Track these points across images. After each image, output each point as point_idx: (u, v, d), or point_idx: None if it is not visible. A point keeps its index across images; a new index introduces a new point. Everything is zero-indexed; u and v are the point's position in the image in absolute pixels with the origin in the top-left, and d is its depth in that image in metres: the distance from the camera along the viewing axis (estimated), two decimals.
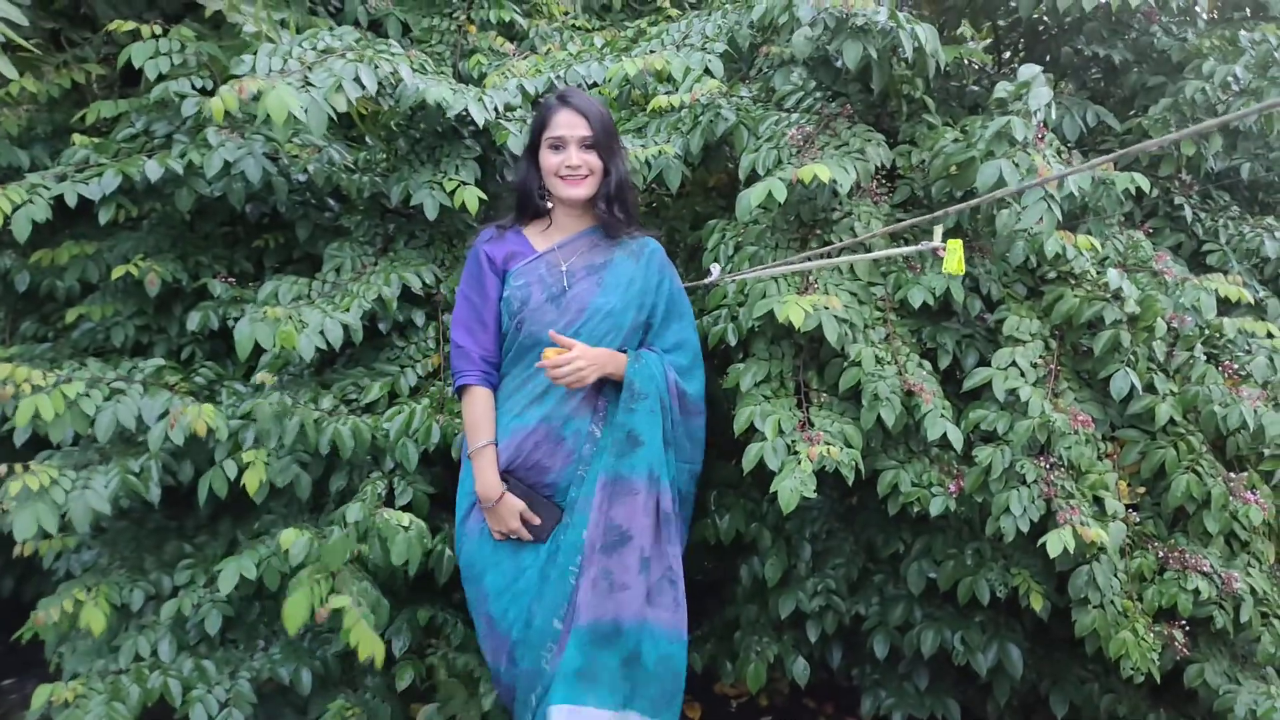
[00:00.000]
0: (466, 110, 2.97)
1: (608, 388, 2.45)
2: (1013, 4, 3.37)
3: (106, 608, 2.73)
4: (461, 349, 2.48)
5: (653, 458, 2.41)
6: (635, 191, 2.65)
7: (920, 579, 2.82)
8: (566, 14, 4.40)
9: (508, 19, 3.97)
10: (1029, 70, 2.56)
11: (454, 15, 4.00)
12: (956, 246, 2.11)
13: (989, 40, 3.78)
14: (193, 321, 3.05)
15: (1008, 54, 3.74)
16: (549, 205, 2.50)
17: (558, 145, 2.41)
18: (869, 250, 2.57)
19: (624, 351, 2.45)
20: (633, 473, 2.40)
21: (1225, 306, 2.95)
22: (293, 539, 2.53)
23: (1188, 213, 3.22)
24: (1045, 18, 3.38)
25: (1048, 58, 3.55)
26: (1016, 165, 2.37)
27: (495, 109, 3.07)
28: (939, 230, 2.12)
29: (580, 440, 2.43)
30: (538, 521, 2.40)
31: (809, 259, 2.55)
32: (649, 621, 2.34)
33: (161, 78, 3.09)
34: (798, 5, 2.61)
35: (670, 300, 2.53)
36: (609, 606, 2.32)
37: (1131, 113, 3.36)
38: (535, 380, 2.43)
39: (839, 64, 2.71)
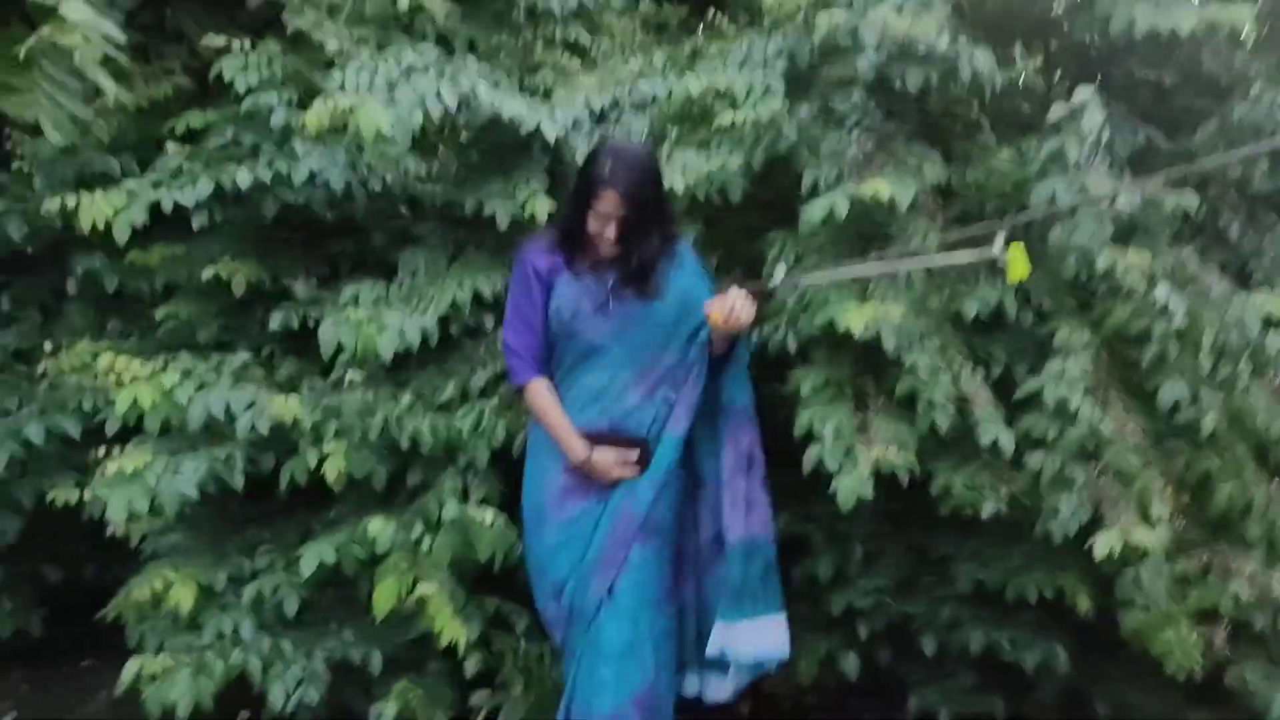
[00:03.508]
0: (538, 125, 3.13)
1: (667, 373, 2.65)
2: (1065, 28, 3.48)
3: (194, 587, 2.90)
4: (514, 350, 2.69)
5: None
6: (669, 217, 2.74)
7: (969, 580, 2.93)
8: (627, 31, 4.56)
9: (573, 37, 4.14)
10: (1083, 93, 2.68)
11: (521, 33, 4.17)
12: (1019, 251, 2.21)
13: (1041, 61, 3.87)
14: (275, 321, 3.22)
15: (1059, 75, 3.84)
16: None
17: (601, 218, 2.57)
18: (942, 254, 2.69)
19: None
20: (749, 404, 2.74)
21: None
22: (380, 528, 2.70)
23: (1234, 231, 3.31)
24: (1097, 39, 3.48)
25: (1099, 78, 3.65)
26: (1070, 184, 2.49)
27: (565, 124, 3.24)
28: (999, 239, 2.23)
29: (643, 428, 2.65)
30: (634, 457, 2.62)
31: (872, 263, 2.68)
32: (770, 530, 2.73)
33: (250, 90, 3.28)
34: (861, 31, 2.74)
35: (707, 283, 2.74)
36: (752, 523, 2.67)
37: (1180, 133, 3.45)
38: (588, 381, 2.65)
39: (898, 86, 2.84)
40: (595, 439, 2.63)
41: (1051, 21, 3.51)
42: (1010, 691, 3.19)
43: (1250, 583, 2.59)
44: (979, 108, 3.10)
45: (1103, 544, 2.42)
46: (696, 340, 2.65)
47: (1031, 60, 3.75)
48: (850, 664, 3.09)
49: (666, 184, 2.98)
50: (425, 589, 2.65)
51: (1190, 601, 2.60)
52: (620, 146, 2.65)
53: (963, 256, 2.37)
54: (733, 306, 2.52)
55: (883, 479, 2.63)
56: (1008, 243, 2.46)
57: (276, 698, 2.84)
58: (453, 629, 2.63)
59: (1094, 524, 2.54)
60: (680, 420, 2.66)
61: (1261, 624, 2.62)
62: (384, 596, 2.62)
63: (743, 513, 2.67)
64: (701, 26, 4.59)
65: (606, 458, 2.61)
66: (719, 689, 2.82)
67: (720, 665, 2.77)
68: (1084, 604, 2.70)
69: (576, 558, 2.64)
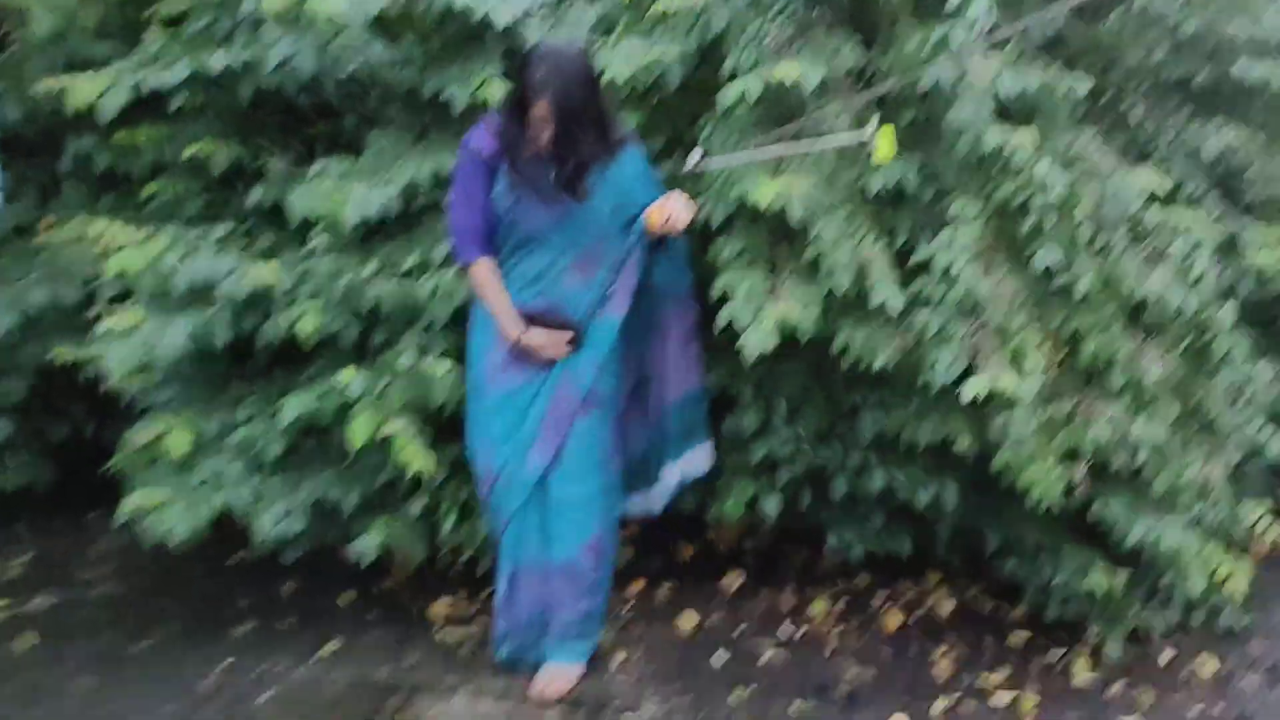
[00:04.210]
0: (488, 14, 3.38)
1: (606, 259, 2.89)
2: None
3: (189, 433, 3.25)
4: (458, 230, 2.89)
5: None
6: (607, 119, 2.84)
7: (872, 428, 3.29)
8: None
9: None
10: None
11: None
12: (887, 133, 2.50)
13: None
14: (254, 196, 3.52)
15: None
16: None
17: (537, 121, 2.70)
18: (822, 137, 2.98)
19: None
20: (688, 288, 3.10)
21: (1168, 199, 3.35)
22: (351, 375, 3.09)
23: (1137, 114, 3.58)
24: None
25: None
26: (954, 69, 2.77)
27: (516, 13, 3.48)
28: (873, 122, 2.52)
29: (580, 310, 2.90)
30: (567, 338, 2.87)
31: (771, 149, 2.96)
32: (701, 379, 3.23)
33: None
34: None
35: (646, 180, 2.96)
36: (694, 378, 3.16)
37: (1094, 21, 3.69)
38: (528, 265, 2.88)
39: None
40: (533, 319, 2.85)
41: None
42: (915, 530, 3.59)
43: (1111, 426, 2.93)
44: None
45: (970, 388, 2.77)
46: (634, 229, 2.88)
47: None
48: (772, 505, 3.46)
49: (611, 74, 3.23)
50: (392, 426, 3.01)
51: (1057, 442, 2.95)
52: (553, 51, 2.71)
53: (844, 139, 2.65)
54: (670, 213, 2.79)
55: (805, 343, 2.97)
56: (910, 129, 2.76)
57: (263, 527, 3.21)
58: (419, 459, 2.99)
59: (971, 374, 2.87)
60: (619, 303, 2.90)
61: (1121, 463, 2.97)
62: (357, 433, 2.98)
63: (691, 373, 3.15)
64: None
65: (539, 338, 2.84)
66: (643, 505, 3.32)
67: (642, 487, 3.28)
68: (965, 444, 3.06)
69: (512, 426, 2.91)
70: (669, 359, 3.11)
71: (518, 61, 2.74)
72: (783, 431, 3.44)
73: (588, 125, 2.73)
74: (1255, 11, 3.68)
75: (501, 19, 3.33)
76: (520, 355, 2.89)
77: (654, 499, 3.25)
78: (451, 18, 3.44)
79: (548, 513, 2.97)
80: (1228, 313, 3.12)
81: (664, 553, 3.98)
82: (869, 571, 3.84)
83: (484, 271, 2.89)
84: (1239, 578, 3.21)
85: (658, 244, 2.95)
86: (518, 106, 2.73)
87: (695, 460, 3.26)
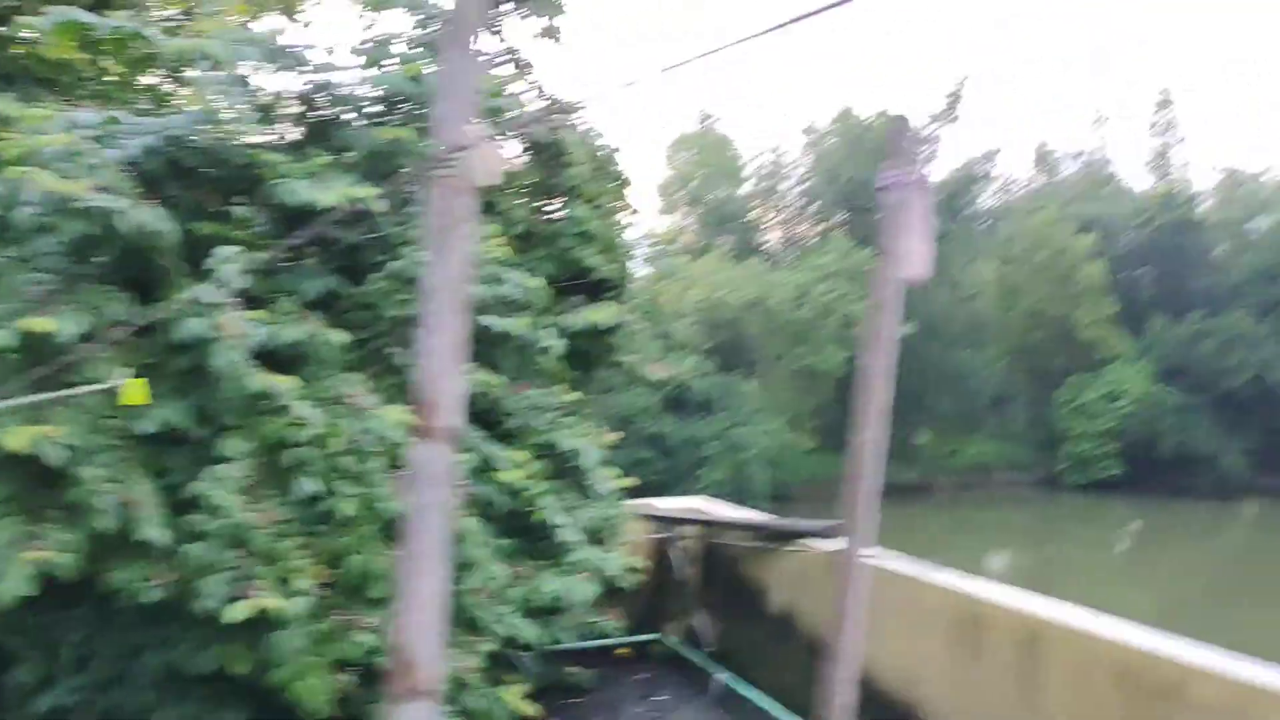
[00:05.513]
0: None
1: None
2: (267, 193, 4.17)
3: None
4: None
5: None
6: None
7: (161, 664, 3.32)
8: None
9: None
10: (225, 251, 3.32)
11: None
12: (135, 386, 2.73)
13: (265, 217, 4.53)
14: None
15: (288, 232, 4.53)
16: None
17: None
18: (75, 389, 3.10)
19: None
20: None
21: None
22: None
23: (401, 358, 4.17)
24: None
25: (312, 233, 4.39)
26: (207, 321, 3.09)
27: None
28: (124, 374, 2.73)
29: None
30: None
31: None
32: None
33: None
34: (21, 191, 3.13)
35: None
36: None
37: (363, 279, 4.27)
38: None
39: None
40: None
41: (257, 187, 4.19)
42: None
43: (376, 634, 3.28)
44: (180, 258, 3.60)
45: (235, 612, 2.96)
46: None
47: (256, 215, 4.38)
48: None
49: None
50: None
51: (328, 654, 3.23)
52: None
53: (96, 388, 2.83)
54: None
55: (88, 588, 2.94)
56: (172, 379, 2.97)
57: None
58: None
59: (240, 599, 3.07)
60: None
61: (385, 667, 3.32)
62: None
63: None
64: None
65: None
66: None
67: None
68: (243, 668, 3.22)
69: None
70: None
71: None
72: (69, 680, 3.33)
73: None
74: (500, 276, 4.53)
75: None
76: None
77: None
78: None
79: None
80: (476, 523, 3.69)
81: None
82: None
83: None
84: None
85: None
86: None
87: None
